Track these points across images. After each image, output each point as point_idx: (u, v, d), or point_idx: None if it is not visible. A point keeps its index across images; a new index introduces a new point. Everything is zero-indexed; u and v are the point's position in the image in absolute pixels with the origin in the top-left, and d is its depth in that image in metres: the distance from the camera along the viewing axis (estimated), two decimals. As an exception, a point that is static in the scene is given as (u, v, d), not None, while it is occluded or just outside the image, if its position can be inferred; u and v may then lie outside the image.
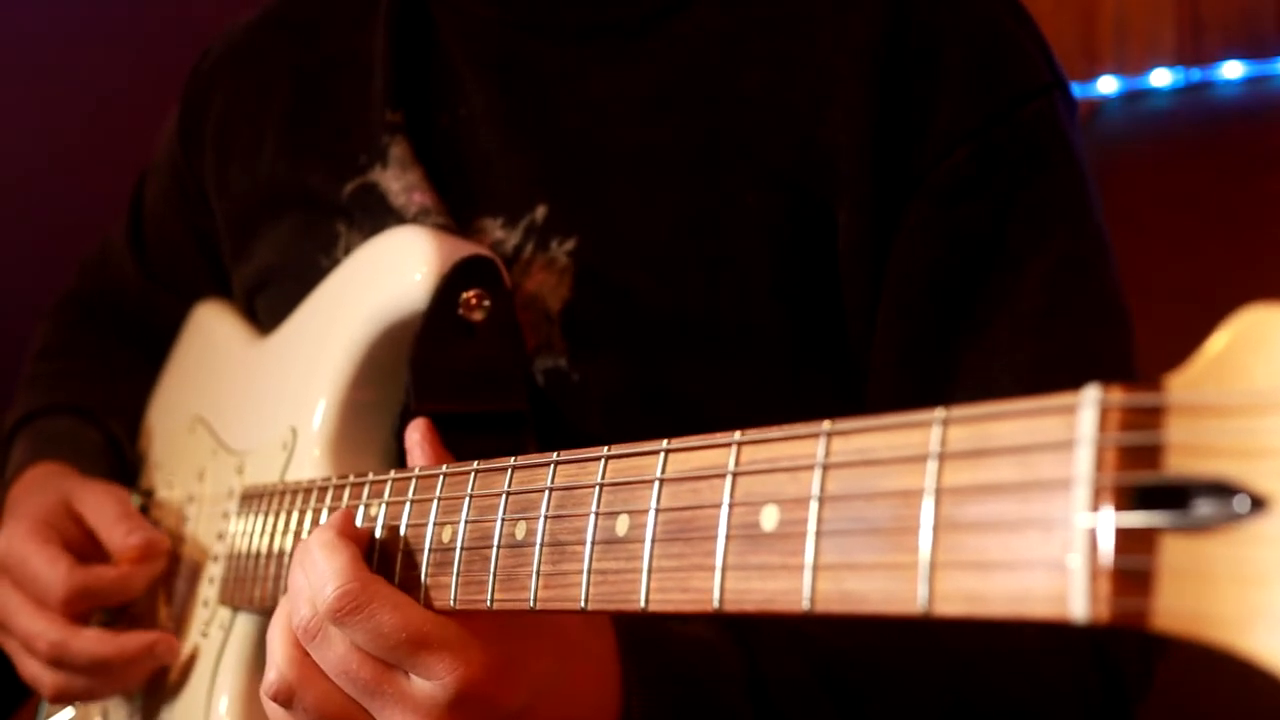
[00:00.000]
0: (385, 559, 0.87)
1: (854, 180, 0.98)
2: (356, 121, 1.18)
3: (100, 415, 1.40)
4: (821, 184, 1.00)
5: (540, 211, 1.05)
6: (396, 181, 1.12)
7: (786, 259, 1.00)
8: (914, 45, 0.99)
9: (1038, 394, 0.86)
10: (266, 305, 1.26)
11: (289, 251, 1.21)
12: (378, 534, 0.88)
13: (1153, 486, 0.44)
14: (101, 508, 1.21)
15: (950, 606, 0.49)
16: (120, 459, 1.40)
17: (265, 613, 1.09)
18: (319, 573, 0.81)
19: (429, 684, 0.78)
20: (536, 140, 1.08)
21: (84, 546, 1.20)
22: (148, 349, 1.49)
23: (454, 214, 1.09)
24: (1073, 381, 0.95)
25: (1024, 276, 0.97)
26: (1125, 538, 0.44)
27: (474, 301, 1.01)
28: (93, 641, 1.14)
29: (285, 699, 0.84)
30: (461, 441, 1.00)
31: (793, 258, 1.00)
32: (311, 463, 1.08)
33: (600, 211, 1.04)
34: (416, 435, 0.93)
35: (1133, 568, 0.43)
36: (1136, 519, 0.43)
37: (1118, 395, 0.45)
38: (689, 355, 1.01)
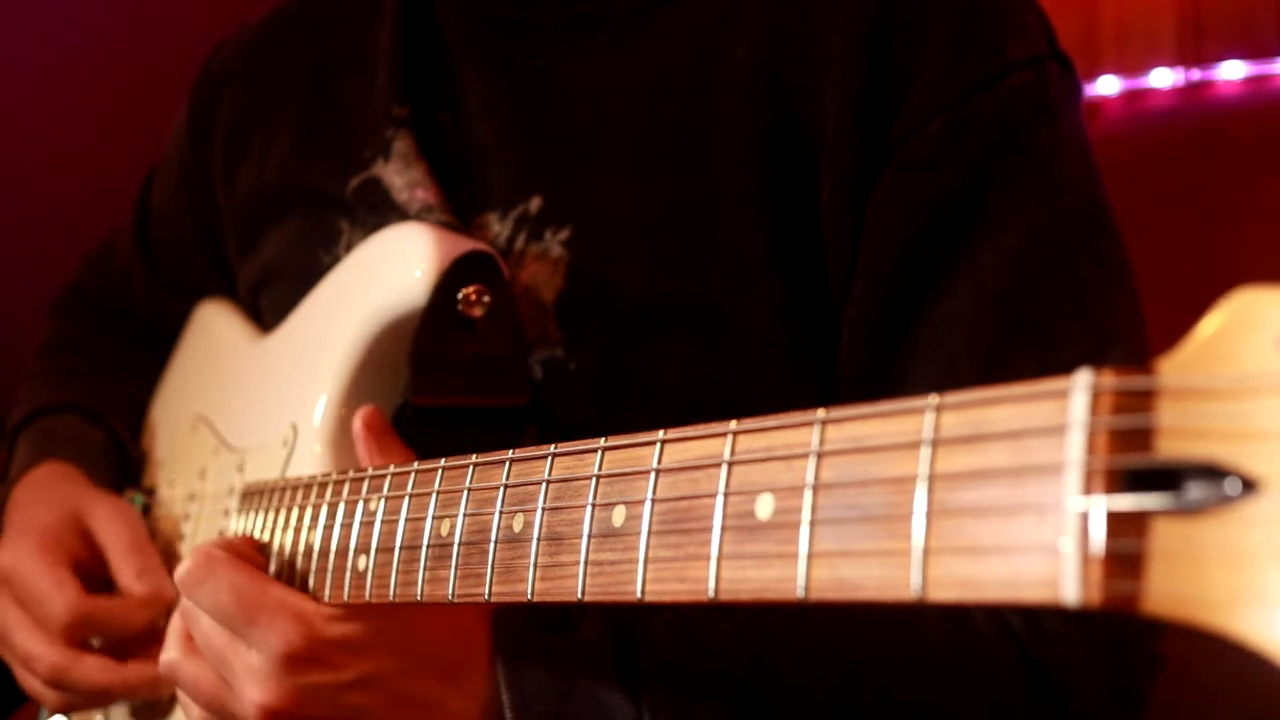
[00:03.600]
0: (385, 550, 0.88)
1: (838, 153, 0.97)
2: (361, 118, 1.18)
3: (104, 414, 1.40)
4: (808, 158, 0.99)
5: (535, 203, 1.06)
6: (400, 177, 1.12)
7: (777, 236, 0.99)
8: (902, 17, 0.98)
9: (994, 372, 0.86)
10: (269, 302, 1.26)
11: (293, 248, 1.21)
12: (375, 529, 0.89)
13: (1144, 470, 0.44)
14: (114, 531, 1.21)
15: (943, 592, 0.49)
16: (124, 459, 1.40)
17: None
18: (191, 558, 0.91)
19: (257, 654, 0.86)
20: (531, 133, 1.09)
21: (90, 564, 1.20)
22: (152, 346, 1.49)
23: (457, 210, 1.09)
24: (1031, 364, 0.94)
25: (992, 252, 0.95)
26: (1117, 521, 0.44)
27: (473, 297, 1.01)
28: (94, 670, 1.15)
29: (169, 675, 0.95)
30: (463, 435, 1.00)
31: (783, 235, 0.99)
32: (312, 459, 1.08)
33: (593, 201, 1.04)
34: (358, 425, 0.97)
35: (1124, 551, 0.43)
36: (1128, 502, 0.43)
37: (1109, 379, 0.45)
38: (685, 341, 1.00)
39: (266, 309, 1.27)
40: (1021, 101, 0.98)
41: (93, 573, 1.20)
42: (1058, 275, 0.96)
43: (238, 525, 1.13)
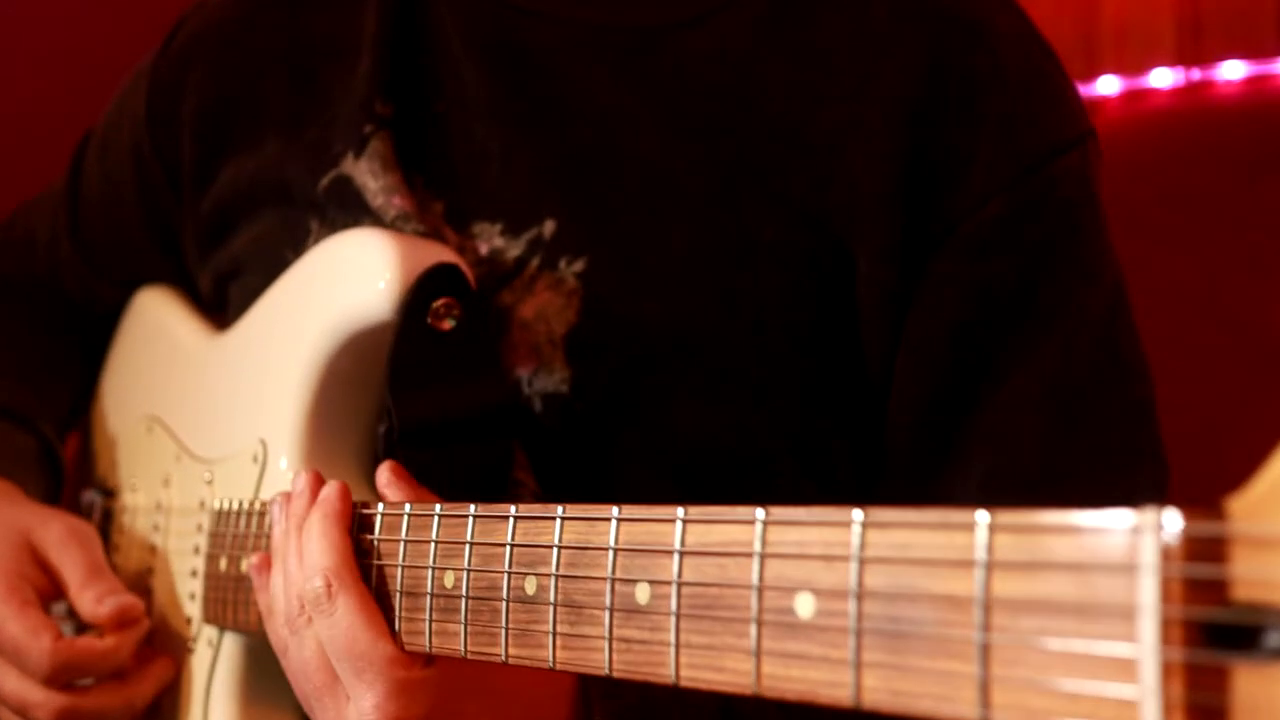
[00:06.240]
0: (384, 593, 0.86)
1: (879, 228, 0.95)
2: (340, 110, 1.11)
3: (32, 417, 1.34)
4: (842, 227, 0.97)
5: (549, 226, 1.01)
6: (374, 180, 1.06)
7: (802, 299, 0.97)
8: (951, 95, 0.96)
9: (1059, 461, 0.87)
10: (238, 297, 1.20)
11: (261, 245, 1.15)
12: (372, 572, 0.87)
13: (1221, 618, 0.43)
14: (69, 557, 1.15)
15: (1008, 717, 0.48)
16: (55, 466, 1.34)
17: (253, 634, 1.07)
18: (310, 560, 0.87)
19: (355, 713, 0.84)
20: (543, 145, 1.03)
21: (48, 591, 1.16)
22: (81, 337, 1.42)
23: (449, 212, 1.05)
24: (1094, 448, 0.94)
25: (1052, 337, 0.95)
26: (1196, 672, 0.43)
27: (443, 310, 0.98)
28: (106, 695, 1.12)
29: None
30: (450, 453, 0.98)
31: (809, 298, 0.97)
32: (286, 480, 1.06)
33: (612, 235, 1.00)
34: (384, 478, 0.93)
35: (1205, 704, 0.43)
36: (1208, 654, 0.43)
37: (1179, 521, 0.44)
38: (696, 391, 0.98)
39: (235, 303, 1.21)
40: (1070, 183, 0.97)
41: (52, 598, 1.17)
42: (1109, 360, 0.97)
43: (215, 546, 1.11)
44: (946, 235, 0.95)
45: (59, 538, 1.16)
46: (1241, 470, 0.47)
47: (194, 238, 1.25)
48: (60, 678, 1.10)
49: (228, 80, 1.21)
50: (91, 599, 1.13)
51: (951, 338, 0.96)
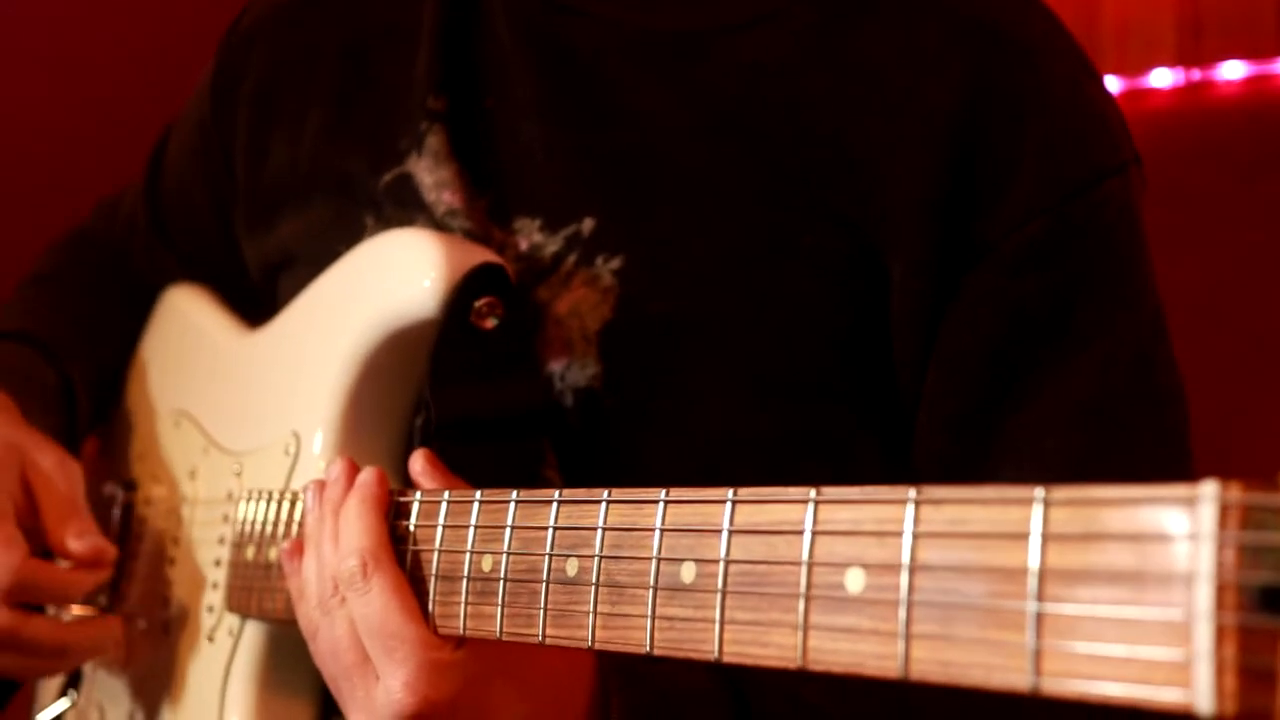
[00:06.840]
0: (418, 578, 0.88)
1: (914, 241, 0.97)
2: (399, 104, 1.13)
3: (62, 355, 1.36)
4: (876, 235, 0.98)
5: (588, 224, 1.03)
6: (429, 175, 1.09)
7: (837, 304, 0.99)
8: (996, 114, 0.97)
9: (1087, 480, 0.88)
10: (285, 290, 1.22)
11: (313, 237, 1.17)
12: (407, 557, 0.89)
13: (1273, 584, 0.45)
14: (52, 490, 1.18)
15: (1059, 687, 0.50)
16: (72, 406, 1.35)
17: (277, 622, 1.09)
18: (346, 542, 0.89)
19: (383, 693, 0.86)
20: (585, 145, 1.05)
21: (24, 513, 1.18)
22: (136, 303, 1.44)
23: (492, 207, 1.07)
24: (1124, 470, 0.95)
25: (1085, 358, 0.96)
26: (1249, 635, 0.45)
27: (485, 310, 1.00)
28: (44, 629, 1.14)
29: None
30: (483, 449, 0.99)
31: (843, 303, 0.99)
32: (318, 471, 1.07)
33: (650, 234, 1.02)
34: (418, 466, 0.95)
35: (1258, 666, 0.45)
36: (1261, 618, 0.45)
37: (1237, 493, 0.46)
38: (726, 390, 0.99)
39: (284, 294, 1.22)
40: (1111, 208, 0.99)
41: (24, 522, 1.18)
42: (1142, 383, 0.97)
43: (242, 534, 1.13)
44: (985, 251, 0.96)
45: (51, 465, 1.19)
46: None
47: (243, 216, 1.28)
48: (17, 594, 1.12)
49: (283, 58, 1.24)
50: (71, 532, 1.16)
51: (984, 354, 0.97)
